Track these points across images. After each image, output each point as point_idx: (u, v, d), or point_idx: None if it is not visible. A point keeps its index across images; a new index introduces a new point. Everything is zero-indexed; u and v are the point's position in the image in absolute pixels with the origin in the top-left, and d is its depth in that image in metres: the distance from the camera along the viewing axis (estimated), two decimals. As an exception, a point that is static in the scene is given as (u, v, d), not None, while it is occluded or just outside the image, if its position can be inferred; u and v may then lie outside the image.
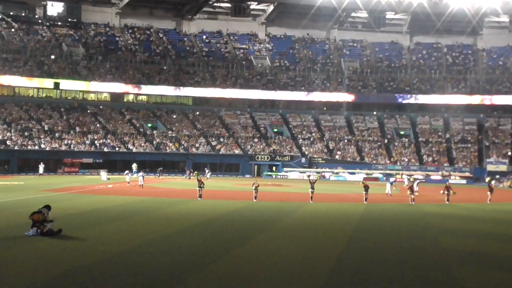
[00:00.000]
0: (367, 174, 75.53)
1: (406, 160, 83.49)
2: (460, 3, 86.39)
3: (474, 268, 17.51)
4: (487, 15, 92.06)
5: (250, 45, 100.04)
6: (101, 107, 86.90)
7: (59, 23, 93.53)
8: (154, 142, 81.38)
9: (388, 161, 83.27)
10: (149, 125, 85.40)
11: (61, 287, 14.26)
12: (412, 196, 40.42)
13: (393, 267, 17.37)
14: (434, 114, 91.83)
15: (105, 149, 77.63)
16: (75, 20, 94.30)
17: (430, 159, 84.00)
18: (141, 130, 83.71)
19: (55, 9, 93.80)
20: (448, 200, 41.36)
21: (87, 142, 77.84)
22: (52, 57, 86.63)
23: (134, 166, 71.12)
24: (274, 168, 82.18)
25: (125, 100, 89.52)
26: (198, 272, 15.88)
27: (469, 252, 20.41)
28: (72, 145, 76.51)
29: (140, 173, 53.53)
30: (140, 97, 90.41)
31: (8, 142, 73.09)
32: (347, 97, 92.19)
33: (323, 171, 79.10)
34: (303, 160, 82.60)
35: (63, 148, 75.85)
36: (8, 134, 74.38)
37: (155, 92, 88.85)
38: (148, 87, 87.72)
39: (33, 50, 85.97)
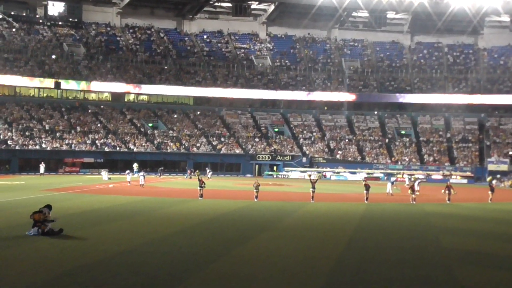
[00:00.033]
0: (368, 173, 75.47)
1: (407, 159, 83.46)
2: (461, 2, 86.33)
3: (475, 268, 17.50)
4: (488, 14, 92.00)
5: (251, 44, 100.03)
6: (102, 106, 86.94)
7: (60, 23, 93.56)
8: (155, 142, 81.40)
9: (389, 161, 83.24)
10: (150, 124, 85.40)
11: (62, 286, 14.27)
12: (413, 195, 40.39)
13: (394, 267, 17.37)
14: (435, 113, 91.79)
15: (106, 149, 77.65)
16: (76, 20, 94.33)
17: (431, 158, 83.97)
18: (142, 129, 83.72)
19: (56, 9, 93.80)
20: (449, 200, 41.35)
21: (88, 141, 77.86)
22: (53, 57, 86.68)
23: (135, 165, 71.19)
24: (275, 168, 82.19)
25: (126, 99, 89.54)
26: (199, 272, 15.88)
27: (470, 252, 20.41)
28: (73, 145, 76.54)
29: (141, 173, 53.51)
30: (141, 97, 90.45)
31: (9, 142, 73.14)
32: (348, 96, 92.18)
33: (324, 171, 79.11)
34: (304, 159, 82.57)
35: (64, 147, 75.88)
36: (9, 134, 74.42)
37: (156, 91, 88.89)
38: (149, 87, 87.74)
39: (34, 50, 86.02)
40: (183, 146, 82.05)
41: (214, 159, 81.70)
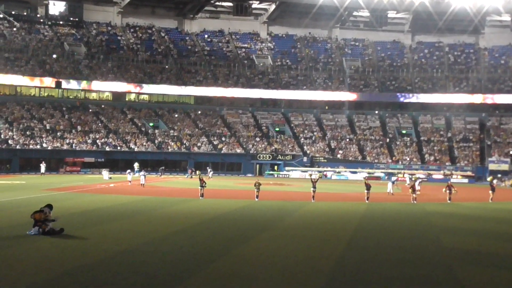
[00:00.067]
0: (368, 173, 75.46)
1: (408, 159, 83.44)
2: (462, 2, 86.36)
3: (476, 267, 17.49)
4: (489, 14, 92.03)
5: (252, 44, 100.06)
6: (103, 106, 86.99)
7: (61, 22, 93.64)
8: (156, 141, 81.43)
9: (390, 160, 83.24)
10: (151, 124, 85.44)
11: (63, 286, 14.27)
12: (413, 195, 40.39)
13: (395, 266, 17.36)
14: (436, 113, 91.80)
15: (107, 148, 77.67)
16: (77, 19, 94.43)
17: (432, 158, 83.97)
18: (143, 129, 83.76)
19: (57, 8, 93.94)
20: (449, 199, 41.36)
21: (89, 141, 77.90)
22: (54, 56, 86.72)
23: (136, 165, 71.20)
24: (276, 167, 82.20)
25: (127, 99, 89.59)
26: (199, 272, 15.88)
27: (471, 251, 20.40)
28: (74, 144, 76.57)
29: (142, 172, 53.48)
30: (141, 96, 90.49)
31: (10, 142, 73.18)
32: (349, 96, 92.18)
33: (325, 170, 79.11)
34: (305, 159, 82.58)
35: (65, 147, 75.92)
36: (10, 133, 74.46)
37: (157, 91, 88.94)
38: (150, 86, 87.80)
39: (35, 49, 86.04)
40: (184, 146, 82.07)
41: (215, 159, 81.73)
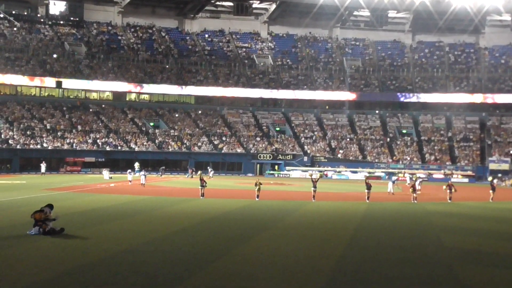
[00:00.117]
0: (369, 172, 75.44)
1: (408, 158, 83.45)
2: (462, 1, 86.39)
3: (476, 267, 17.48)
4: (489, 13, 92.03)
5: (252, 43, 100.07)
6: (103, 106, 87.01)
7: (62, 22, 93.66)
8: (157, 141, 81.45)
9: (390, 160, 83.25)
10: (152, 124, 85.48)
11: (63, 286, 14.26)
12: (414, 194, 40.39)
13: (395, 266, 17.35)
14: (436, 112, 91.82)
15: (107, 148, 77.69)
16: (77, 19, 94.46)
17: (432, 157, 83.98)
18: (144, 129, 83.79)
19: (57, 8, 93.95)
20: (450, 199, 41.35)
21: (89, 141, 77.91)
22: (54, 56, 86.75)
23: (137, 165, 71.23)
24: (276, 167, 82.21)
25: (127, 99, 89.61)
26: (200, 271, 15.87)
27: (471, 251, 20.38)
28: (74, 144, 76.60)
29: (142, 172, 53.47)
30: (142, 96, 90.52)
31: (10, 141, 73.21)
32: (349, 95, 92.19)
33: (326, 170, 79.11)
34: (305, 158, 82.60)
35: (65, 147, 75.95)
36: (10, 133, 74.48)
37: (157, 91, 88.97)
38: (150, 86, 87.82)
39: (35, 49, 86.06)
40: (185, 145, 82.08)
41: (215, 158, 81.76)
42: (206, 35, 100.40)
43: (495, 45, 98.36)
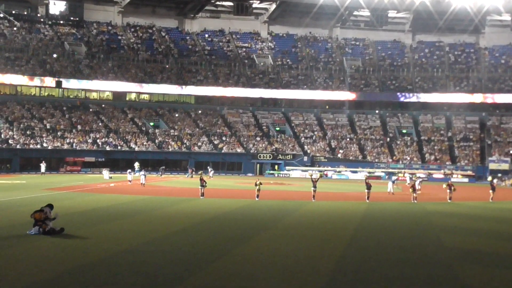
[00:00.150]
0: (369, 172, 75.42)
1: (408, 158, 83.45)
2: (462, 1, 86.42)
3: (476, 267, 17.47)
4: (489, 13, 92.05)
5: (252, 43, 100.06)
6: (103, 105, 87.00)
7: (62, 22, 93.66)
8: (156, 141, 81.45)
9: (390, 160, 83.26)
10: (152, 123, 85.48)
11: (63, 286, 14.26)
12: (414, 194, 40.39)
13: (395, 266, 17.35)
14: (436, 112, 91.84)
15: (107, 148, 77.69)
16: (77, 18, 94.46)
17: (432, 157, 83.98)
18: (143, 128, 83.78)
19: (57, 7, 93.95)
20: (450, 199, 41.36)
21: (89, 140, 77.91)
22: (54, 55, 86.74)
23: (137, 165, 71.20)
24: (276, 167, 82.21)
25: (127, 98, 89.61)
26: (200, 271, 15.86)
27: (471, 251, 20.38)
28: (74, 144, 76.60)
29: (142, 172, 53.47)
30: (142, 96, 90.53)
31: (10, 141, 73.20)
32: (349, 95, 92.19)
33: (325, 170, 79.11)
34: (305, 158, 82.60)
35: (65, 146, 75.95)
36: (10, 133, 74.48)
37: (157, 90, 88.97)
38: (150, 86, 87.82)
39: (35, 48, 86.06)
40: (185, 145, 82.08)
41: (215, 158, 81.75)
42: (206, 35, 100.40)
43: (495, 45, 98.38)
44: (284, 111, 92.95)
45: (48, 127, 78.16)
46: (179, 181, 63.08)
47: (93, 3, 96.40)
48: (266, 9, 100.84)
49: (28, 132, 75.72)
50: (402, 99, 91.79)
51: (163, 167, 75.74)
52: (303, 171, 78.43)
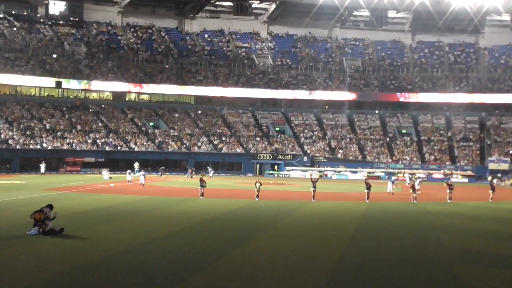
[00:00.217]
0: (369, 172, 75.44)
1: (408, 158, 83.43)
2: (462, 1, 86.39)
3: (476, 267, 17.49)
4: (489, 13, 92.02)
5: (252, 43, 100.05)
6: (103, 106, 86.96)
7: (61, 22, 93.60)
8: (156, 141, 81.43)
9: (390, 160, 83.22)
10: (151, 124, 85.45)
11: (63, 286, 14.27)
12: (414, 194, 40.40)
13: (395, 266, 17.37)
14: (436, 112, 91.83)
15: (107, 148, 77.66)
16: (77, 19, 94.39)
17: (432, 157, 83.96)
18: (143, 129, 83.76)
19: (57, 8, 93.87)
20: (450, 199, 41.37)
21: (89, 141, 77.88)
22: (54, 56, 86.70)
23: (136, 165, 71.20)
24: (276, 167, 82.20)
25: (127, 99, 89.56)
26: (200, 271, 15.87)
27: (471, 251, 20.40)
28: (74, 144, 76.56)
29: (141, 172, 53.48)
30: (142, 96, 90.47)
31: (10, 141, 73.16)
32: (349, 95, 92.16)
33: (325, 170, 79.10)
34: (305, 158, 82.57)
35: (65, 147, 75.90)
36: (10, 133, 74.45)
37: (157, 91, 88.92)
38: (150, 86, 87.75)
39: (35, 49, 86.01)
40: (184, 145, 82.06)
41: (215, 158, 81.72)
42: (206, 35, 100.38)
43: (494, 45, 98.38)
44: (284, 111, 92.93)
45: (48, 127, 78.13)
46: (179, 181, 63.08)
47: (93, 3, 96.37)
48: (265, 9, 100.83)
49: (28, 132, 75.70)
50: (401, 99, 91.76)
51: (163, 167, 75.68)
52: (303, 171, 78.43)
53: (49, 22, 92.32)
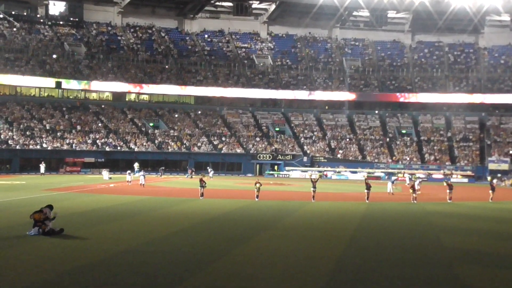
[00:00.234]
0: (368, 173, 75.41)
1: (408, 159, 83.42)
2: (462, 1, 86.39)
3: (476, 267, 17.49)
4: (488, 13, 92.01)
5: (252, 44, 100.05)
6: (103, 106, 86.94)
7: (61, 22, 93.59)
8: (156, 141, 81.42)
9: (390, 160, 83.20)
10: (151, 124, 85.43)
11: (63, 286, 14.27)
12: (414, 195, 40.40)
13: (395, 266, 17.36)
14: (436, 112, 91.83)
15: (107, 148, 77.64)
16: (77, 19, 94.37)
17: (432, 157, 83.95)
18: (143, 129, 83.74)
19: (57, 8, 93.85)
20: (450, 199, 41.37)
21: (89, 141, 77.87)
22: (54, 56, 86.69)
23: (136, 165, 71.18)
24: (276, 167, 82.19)
25: (127, 99, 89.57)
26: (199, 272, 15.87)
27: (471, 251, 20.40)
28: (74, 144, 76.54)
29: (141, 172, 53.48)
30: (142, 96, 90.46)
31: (10, 142, 73.13)
32: (349, 96, 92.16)
33: (325, 170, 79.08)
34: (305, 159, 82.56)
35: (65, 147, 75.88)
36: (10, 133, 74.43)
37: (157, 91, 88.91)
38: (150, 86, 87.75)
39: (35, 49, 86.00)
40: (184, 146, 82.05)
41: (215, 159, 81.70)
42: (206, 35, 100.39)
43: (494, 45, 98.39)
44: (283, 111, 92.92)
45: (47, 127, 78.12)
46: (178, 181, 63.07)
47: (93, 3, 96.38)
48: (265, 9, 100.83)
49: (27, 133, 75.68)
50: (401, 99, 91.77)
51: (163, 167, 75.68)
52: (302, 171, 78.42)
53: (49, 23, 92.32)
